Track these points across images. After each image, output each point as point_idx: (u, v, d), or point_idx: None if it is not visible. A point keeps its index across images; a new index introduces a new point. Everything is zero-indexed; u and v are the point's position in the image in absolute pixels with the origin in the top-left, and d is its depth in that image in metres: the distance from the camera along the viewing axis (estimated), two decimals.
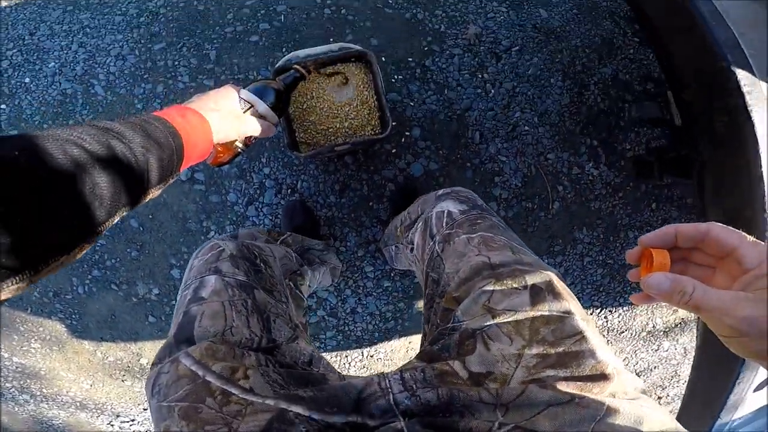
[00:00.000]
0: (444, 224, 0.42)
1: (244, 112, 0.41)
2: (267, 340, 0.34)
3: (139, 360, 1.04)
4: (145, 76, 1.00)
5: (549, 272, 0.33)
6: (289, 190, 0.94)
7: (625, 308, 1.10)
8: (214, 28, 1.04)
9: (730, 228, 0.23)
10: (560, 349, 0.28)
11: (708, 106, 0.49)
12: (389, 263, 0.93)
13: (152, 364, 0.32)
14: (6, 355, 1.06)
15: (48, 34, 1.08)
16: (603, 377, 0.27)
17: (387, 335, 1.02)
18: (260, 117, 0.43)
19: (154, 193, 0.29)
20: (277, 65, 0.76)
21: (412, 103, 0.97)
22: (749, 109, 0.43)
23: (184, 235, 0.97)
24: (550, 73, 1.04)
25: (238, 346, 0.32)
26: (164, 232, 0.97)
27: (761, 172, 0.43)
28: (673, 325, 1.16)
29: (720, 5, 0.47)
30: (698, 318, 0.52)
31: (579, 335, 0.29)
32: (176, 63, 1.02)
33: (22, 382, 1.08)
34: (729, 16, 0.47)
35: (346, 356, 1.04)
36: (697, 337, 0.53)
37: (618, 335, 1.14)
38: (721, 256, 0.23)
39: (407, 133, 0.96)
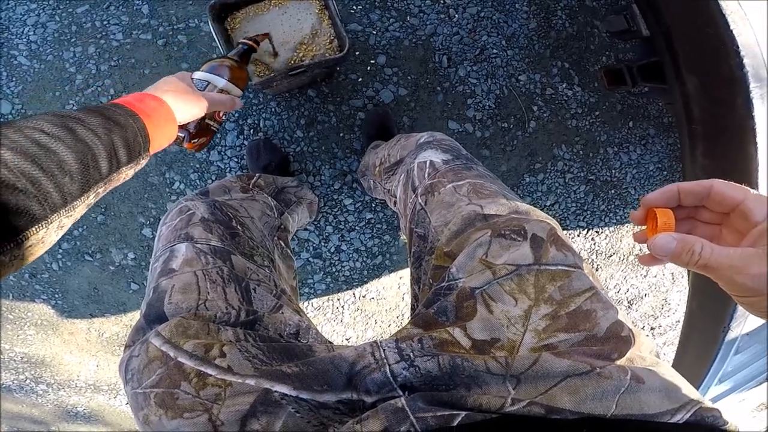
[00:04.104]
0: (426, 175, 0.39)
1: (202, 91, 0.42)
2: (246, 312, 0.30)
3: None
4: (73, 40, 0.93)
5: (549, 221, 0.31)
6: (251, 130, 0.90)
7: (611, 228, 1.11)
8: None
9: (733, 183, 0.22)
10: (571, 309, 0.25)
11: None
12: (367, 193, 0.90)
13: (125, 347, 0.30)
14: (7, 347, 1.03)
15: None
16: (621, 340, 0.25)
17: (376, 272, 1.01)
18: (221, 92, 0.44)
19: (127, 173, 0.29)
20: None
21: (374, 32, 0.93)
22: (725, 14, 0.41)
23: (148, 190, 0.92)
24: None
25: (213, 322, 0.29)
26: (126, 190, 0.92)
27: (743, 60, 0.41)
28: None
29: None
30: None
31: (589, 292, 0.26)
32: (105, 22, 0.94)
33: (33, 372, 1.06)
34: None
35: (338, 299, 1.02)
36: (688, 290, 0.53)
37: (607, 259, 1.15)
38: (726, 212, 0.22)
39: (372, 62, 0.92)
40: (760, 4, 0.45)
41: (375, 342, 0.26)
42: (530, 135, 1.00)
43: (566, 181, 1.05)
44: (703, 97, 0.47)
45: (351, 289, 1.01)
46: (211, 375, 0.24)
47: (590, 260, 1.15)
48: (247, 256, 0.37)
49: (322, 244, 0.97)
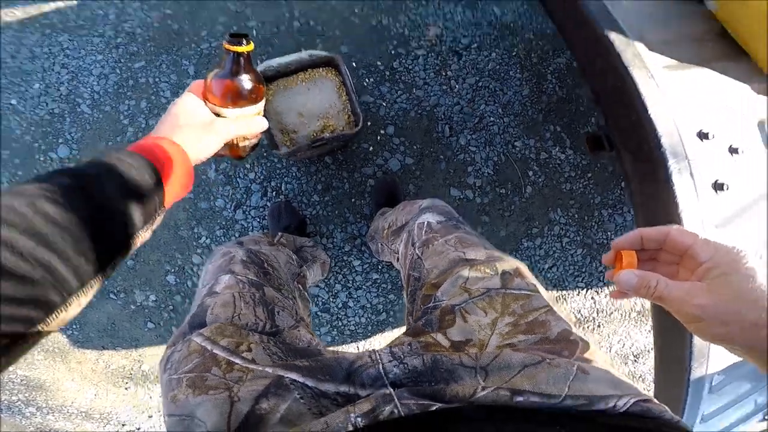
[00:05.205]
0: (424, 233, 0.48)
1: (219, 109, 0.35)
2: (270, 325, 0.37)
3: (140, 366, 1.06)
4: (128, 93, 1.05)
5: (518, 262, 0.38)
6: (274, 193, 0.99)
7: (611, 288, 1.14)
8: (190, 46, 1.09)
9: (686, 229, 0.26)
10: (529, 319, 0.32)
11: (603, 84, 0.55)
12: (375, 256, 0.98)
13: (167, 347, 0.35)
14: (11, 369, 1.06)
15: (29, 57, 1.12)
16: (570, 342, 0.30)
17: (380, 327, 1.06)
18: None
19: (144, 236, 0.28)
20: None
21: (384, 104, 1.03)
22: (628, 68, 0.50)
23: (177, 242, 1.01)
24: (508, 67, 1.10)
25: (244, 328, 0.35)
26: (157, 241, 1.00)
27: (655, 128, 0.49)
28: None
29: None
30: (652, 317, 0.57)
31: (545, 308, 0.33)
32: (157, 79, 1.06)
33: (27, 395, 1.10)
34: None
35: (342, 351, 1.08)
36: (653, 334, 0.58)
37: (608, 317, 1.17)
38: (680, 254, 0.26)
39: (382, 132, 1.01)
40: (677, 81, 0.53)
41: (373, 350, 0.32)
42: (527, 200, 1.07)
43: (563, 245, 1.10)
44: (636, 172, 0.55)
45: (355, 342, 1.06)
46: (237, 363, 0.30)
47: (591, 318, 1.16)
48: (275, 289, 0.45)
49: (331, 299, 1.03)
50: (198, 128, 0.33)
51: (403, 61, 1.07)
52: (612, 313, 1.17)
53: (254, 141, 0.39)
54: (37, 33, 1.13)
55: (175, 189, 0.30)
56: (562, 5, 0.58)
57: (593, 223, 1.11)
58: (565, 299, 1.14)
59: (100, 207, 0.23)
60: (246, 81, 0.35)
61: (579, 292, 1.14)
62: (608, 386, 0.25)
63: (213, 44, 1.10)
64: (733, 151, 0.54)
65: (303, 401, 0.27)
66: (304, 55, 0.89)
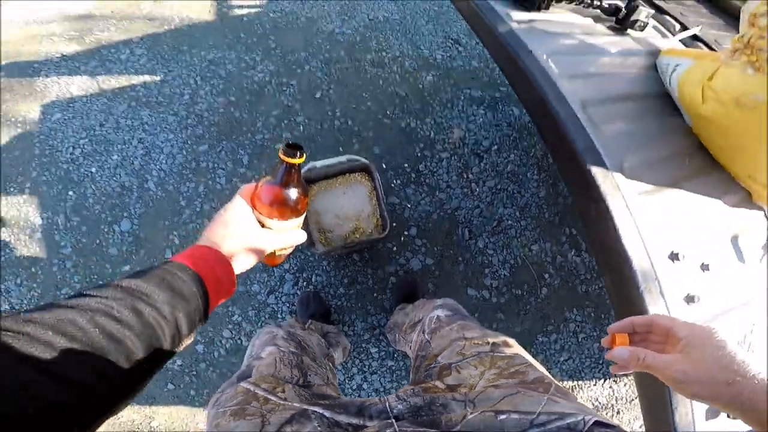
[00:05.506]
0: (433, 324, 0.57)
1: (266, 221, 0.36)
2: (304, 381, 0.47)
3: (150, 423, 1.08)
4: (190, 176, 1.18)
5: (507, 337, 0.47)
6: (305, 283, 1.08)
7: (630, 377, 1.12)
8: (247, 135, 1.25)
9: (667, 315, 0.35)
10: (512, 370, 0.39)
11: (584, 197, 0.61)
12: (392, 345, 1.04)
13: (216, 392, 0.43)
14: None
15: (114, 127, 1.26)
16: (544, 383, 0.35)
17: None
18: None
19: (186, 342, 0.30)
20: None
21: (409, 205, 1.12)
22: (605, 199, 0.56)
23: (212, 317, 1.09)
24: (526, 168, 1.19)
25: (282, 380, 0.43)
26: None
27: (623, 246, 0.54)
28: None
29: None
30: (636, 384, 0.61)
31: (527, 364, 0.40)
32: (215, 165, 1.20)
33: None
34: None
35: None
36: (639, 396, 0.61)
37: (629, 404, 1.15)
38: (665, 334, 0.33)
39: (406, 233, 1.10)
40: (652, 206, 0.57)
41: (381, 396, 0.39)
42: (542, 300, 1.09)
43: (579, 340, 1.11)
44: (614, 291, 0.60)
45: None
46: (272, 399, 0.37)
47: (610, 405, 1.14)
48: (312, 359, 0.55)
49: (346, 381, 1.07)
50: (244, 240, 0.35)
51: (428, 163, 1.18)
52: (632, 400, 1.14)
53: (290, 250, 0.41)
54: (125, 104, 1.31)
55: (219, 298, 0.33)
56: (553, 139, 0.65)
57: (610, 320, 1.12)
58: (581, 388, 1.12)
59: (151, 324, 0.26)
60: (293, 193, 0.36)
61: (596, 382, 1.13)
62: (576, 409, 0.30)
63: (266, 136, 1.26)
64: (704, 267, 0.59)
65: (320, 428, 0.33)
66: (343, 159, 1.01)
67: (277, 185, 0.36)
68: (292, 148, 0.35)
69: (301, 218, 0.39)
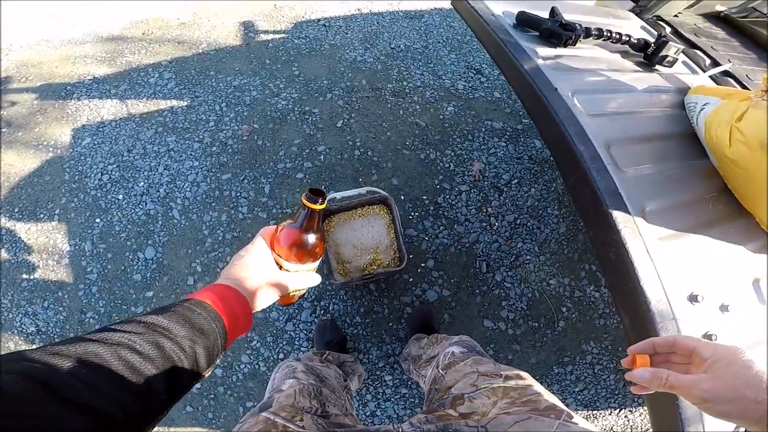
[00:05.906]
0: (448, 359, 0.59)
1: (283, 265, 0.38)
2: (322, 411, 0.48)
3: None
4: (213, 204, 1.20)
5: (519, 371, 0.48)
6: (322, 311, 1.10)
7: (645, 407, 1.11)
8: (269, 164, 1.28)
9: (690, 336, 0.35)
10: (524, 399, 0.40)
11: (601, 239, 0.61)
12: (406, 373, 1.05)
13: (239, 423, 0.44)
14: None
15: (141, 153, 1.28)
16: (556, 410, 0.36)
17: None
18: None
19: (206, 374, 0.31)
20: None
21: (426, 238, 1.14)
22: (626, 243, 0.56)
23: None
24: (546, 203, 1.19)
25: (301, 410, 0.45)
26: None
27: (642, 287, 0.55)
28: None
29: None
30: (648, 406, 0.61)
31: (538, 394, 0.41)
32: (238, 194, 1.22)
33: None
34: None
35: None
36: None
37: None
38: (688, 354, 0.34)
39: (423, 265, 1.11)
40: (671, 250, 0.58)
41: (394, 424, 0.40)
42: (559, 333, 1.09)
43: (595, 371, 1.10)
44: (632, 332, 0.59)
45: None
46: (291, 428, 0.39)
47: None
48: (330, 391, 0.57)
49: (360, 407, 1.08)
50: (263, 281, 0.37)
51: (447, 196, 1.20)
52: (647, 429, 1.12)
53: (304, 291, 0.42)
54: (152, 129, 1.34)
55: (236, 333, 0.34)
56: (574, 180, 0.63)
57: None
58: (596, 417, 1.11)
59: (171, 358, 0.27)
60: (312, 238, 0.38)
61: (611, 411, 1.12)
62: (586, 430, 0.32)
63: (287, 165, 1.29)
64: (724, 308, 0.59)
65: None
66: (363, 191, 1.04)
67: (298, 229, 0.37)
68: (315, 194, 0.37)
69: (317, 263, 0.40)
